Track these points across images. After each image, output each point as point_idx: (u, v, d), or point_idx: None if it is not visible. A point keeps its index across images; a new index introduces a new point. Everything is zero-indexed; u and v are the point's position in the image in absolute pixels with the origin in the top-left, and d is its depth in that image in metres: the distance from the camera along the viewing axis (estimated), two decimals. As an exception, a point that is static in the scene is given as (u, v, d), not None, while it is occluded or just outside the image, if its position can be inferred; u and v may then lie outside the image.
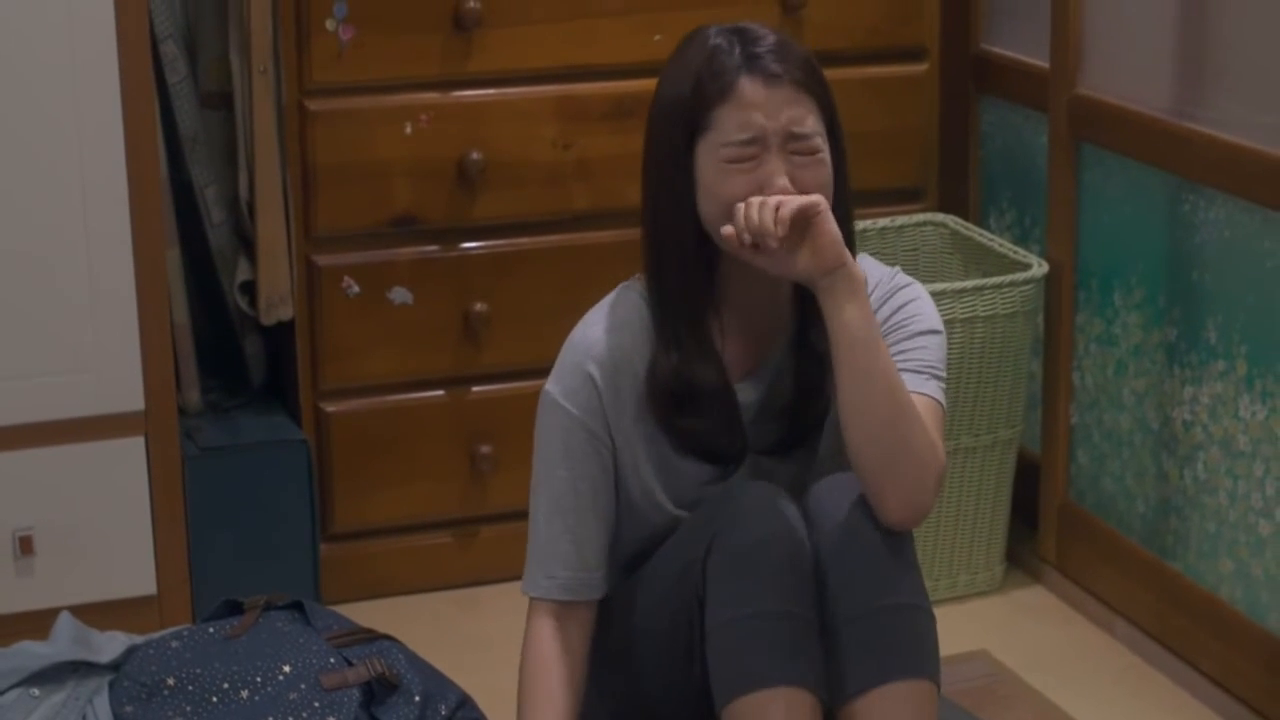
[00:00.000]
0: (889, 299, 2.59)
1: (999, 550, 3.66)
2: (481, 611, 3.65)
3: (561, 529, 2.61)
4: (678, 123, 2.50)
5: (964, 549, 3.61)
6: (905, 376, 2.52)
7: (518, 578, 3.69)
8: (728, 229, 2.45)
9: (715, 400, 2.55)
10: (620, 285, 2.63)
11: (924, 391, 2.54)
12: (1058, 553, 3.64)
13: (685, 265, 2.54)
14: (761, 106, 2.46)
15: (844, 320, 2.47)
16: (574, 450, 2.58)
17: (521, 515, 3.69)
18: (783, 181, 2.46)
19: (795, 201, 2.43)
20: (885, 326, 2.56)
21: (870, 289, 2.54)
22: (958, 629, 3.48)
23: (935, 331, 2.59)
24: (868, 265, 2.61)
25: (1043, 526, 3.67)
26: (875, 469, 2.48)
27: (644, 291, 2.60)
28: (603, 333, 2.58)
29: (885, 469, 2.48)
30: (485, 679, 3.03)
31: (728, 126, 2.47)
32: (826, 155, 2.49)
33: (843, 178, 2.53)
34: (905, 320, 2.58)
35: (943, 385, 2.58)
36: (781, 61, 2.48)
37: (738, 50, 2.49)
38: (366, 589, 3.65)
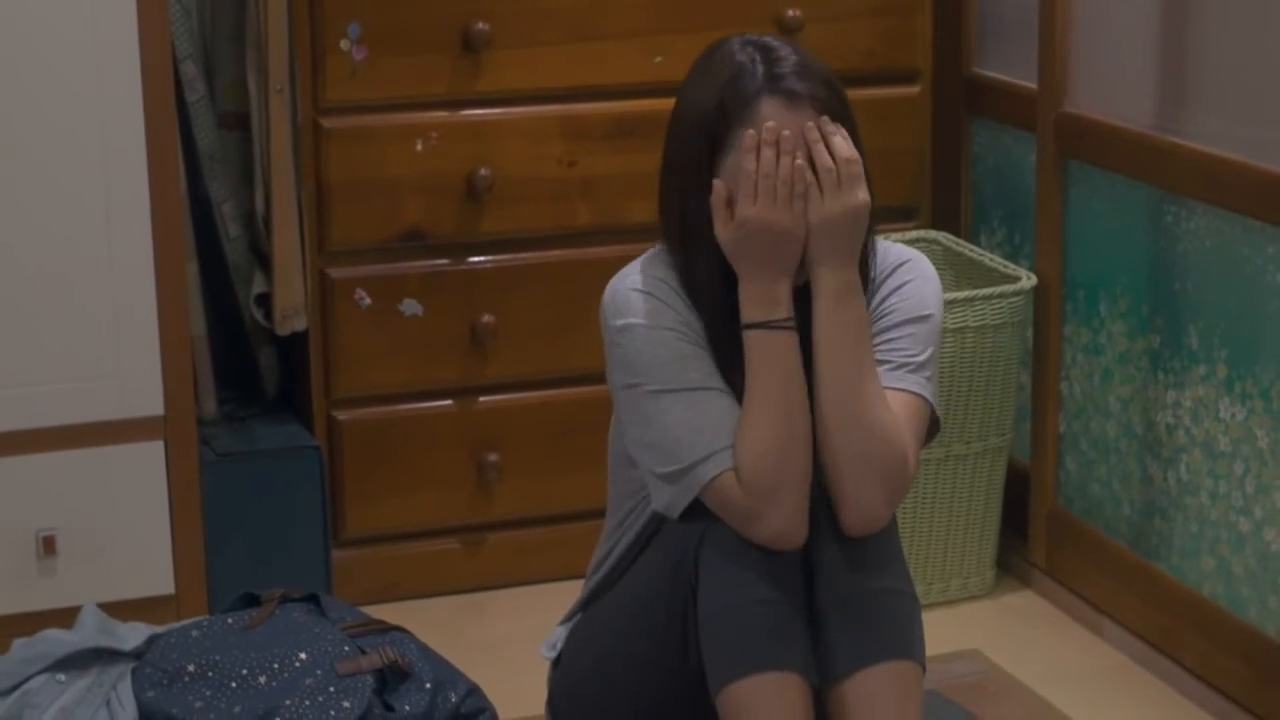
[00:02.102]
0: (886, 280, 2.66)
1: (990, 555, 3.75)
2: (488, 616, 3.71)
3: (713, 403, 2.59)
4: (700, 137, 2.57)
5: (956, 553, 3.70)
6: (884, 372, 2.59)
7: (523, 583, 3.82)
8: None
9: (734, 363, 2.63)
10: (648, 255, 2.68)
11: (901, 386, 2.60)
12: (1047, 558, 3.72)
13: (712, 262, 2.59)
14: (782, 127, 2.53)
15: (834, 316, 2.57)
16: (679, 345, 2.60)
17: (527, 522, 3.82)
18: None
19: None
20: (876, 313, 2.64)
21: (874, 273, 2.65)
22: (950, 632, 3.56)
23: (922, 317, 2.64)
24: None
25: (1032, 533, 3.76)
26: (832, 472, 2.56)
27: (673, 266, 2.65)
28: (642, 282, 2.64)
29: (842, 474, 2.55)
30: (492, 680, 3.10)
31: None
32: None
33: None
34: (890, 308, 2.65)
35: (926, 375, 2.63)
36: (803, 82, 2.54)
37: (760, 70, 2.54)
38: (376, 593, 3.70)
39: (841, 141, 2.55)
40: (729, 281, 2.61)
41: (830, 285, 2.56)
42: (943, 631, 3.50)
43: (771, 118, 2.53)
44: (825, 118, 2.55)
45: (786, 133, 2.52)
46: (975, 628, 3.63)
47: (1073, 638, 3.59)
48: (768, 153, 2.52)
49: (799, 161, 2.52)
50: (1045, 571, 3.73)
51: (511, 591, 3.80)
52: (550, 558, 3.79)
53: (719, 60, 2.60)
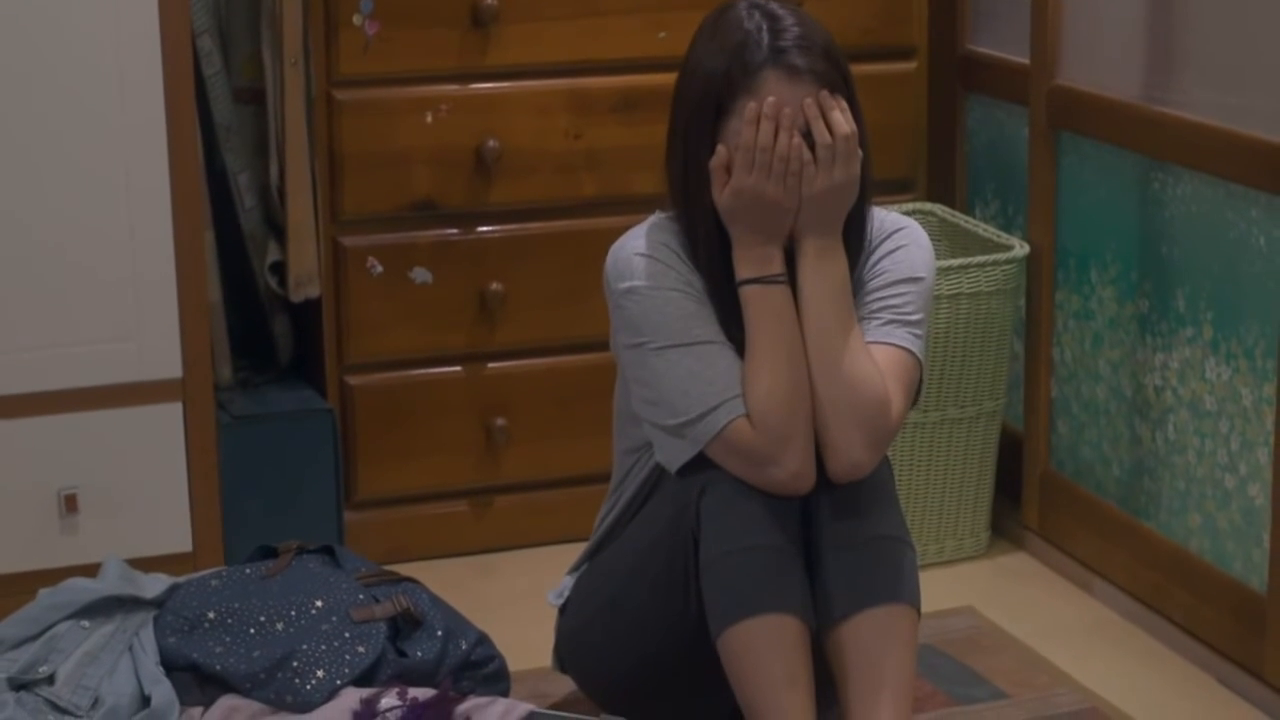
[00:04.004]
0: (880, 245, 2.76)
1: (984, 517, 3.83)
2: (495, 577, 3.77)
3: (720, 356, 2.68)
4: (706, 101, 2.66)
5: (951, 515, 3.78)
6: (874, 326, 2.69)
7: (530, 544, 3.87)
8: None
9: (732, 318, 2.72)
10: (650, 222, 2.78)
11: (890, 340, 2.70)
12: (1040, 520, 3.80)
13: (710, 220, 2.69)
14: (783, 102, 2.63)
15: (820, 277, 2.68)
16: (684, 303, 2.70)
17: (534, 485, 3.88)
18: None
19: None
20: (869, 274, 2.74)
21: (869, 238, 2.75)
22: (945, 591, 3.63)
23: (914, 279, 2.74)
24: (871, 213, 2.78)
25: (1026, 495, 3.83)
26: (819, 420, 2.65)
27: (675, 230, 2.75)
28: (645, 246, 2.73)
29: (827, 420, 2.65)
30: (499, 633, 3.16)
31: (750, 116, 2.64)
32: None
33: (862, 155, 2.69)
34: (883, 270, 2.74)
35: (915, 333, 2.72)
36: (805, 55, 2.63)
37: (766, 40, 2.63)
38: (386, 554, 3.73)
39: (840, 117, 2.63)
40: (726, 241, 2.70)
41: (813, 247, 2.66)
42: (938, 590, 3.57)
43: (773, 91, 2.62)
44: (825, 91, 2.65)
45: (787, 110, 2.61)
46: (970, 587, 3.70)
47: (1064, 594, 3.66)
48: (767, 126, 2.61)
49: (796, 139, 2.61)
50: (1037, 533, 3.81)
51: (518, 553, 3.85)
52: (556, 520, 3.85)
53: (726, 25, 2.68)
